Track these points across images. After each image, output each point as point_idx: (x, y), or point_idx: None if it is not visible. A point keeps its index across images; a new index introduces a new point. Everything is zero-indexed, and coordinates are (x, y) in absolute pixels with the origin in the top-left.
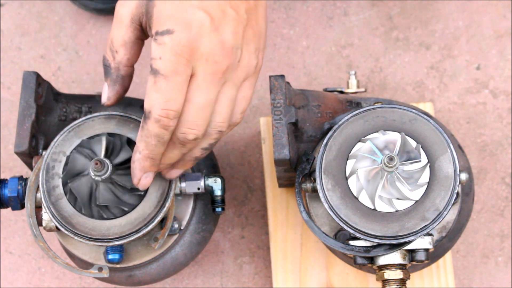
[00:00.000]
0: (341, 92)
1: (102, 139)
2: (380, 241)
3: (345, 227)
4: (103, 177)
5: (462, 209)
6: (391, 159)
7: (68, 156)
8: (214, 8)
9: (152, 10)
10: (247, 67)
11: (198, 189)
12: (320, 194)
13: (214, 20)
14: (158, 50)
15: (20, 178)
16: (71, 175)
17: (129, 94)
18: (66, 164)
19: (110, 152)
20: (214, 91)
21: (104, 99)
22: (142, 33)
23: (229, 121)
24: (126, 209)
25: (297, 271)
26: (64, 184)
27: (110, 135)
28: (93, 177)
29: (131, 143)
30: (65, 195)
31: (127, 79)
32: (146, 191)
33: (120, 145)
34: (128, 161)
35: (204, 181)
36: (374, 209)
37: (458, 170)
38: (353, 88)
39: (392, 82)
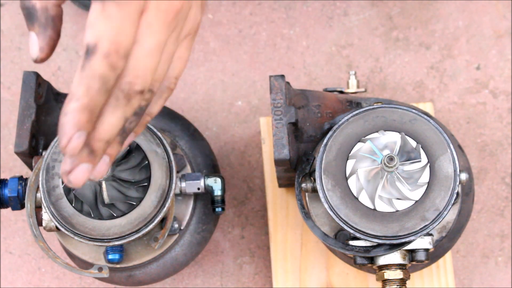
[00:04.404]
0: (341, 92)
1: None
2: (380, 241)
3: (345, 227)
4: (105, 176)
5: (462, 209)
6: (391, 159)
7: None
8: None
9: None
10: (192, 21)
11: (198, 189)
12: (320, 194)
13: None
14: None
15: (20, 178)
16: None
17: None
18: None
19: None
20: (165, 35)
21: (36, 52)
22: None
23: (161, 81)
24: (133, 203)
25: (297, 271)
26: (67, 193)
27: None
28: None
29: None
30: (71, 203)
31: (58, 20)
32: (147, 186)
33: None
34: (125, 155)
35: (204, 181)
36: (374, 209)
37: (458, 170)
38: (353, 88)
39: (392, 82)
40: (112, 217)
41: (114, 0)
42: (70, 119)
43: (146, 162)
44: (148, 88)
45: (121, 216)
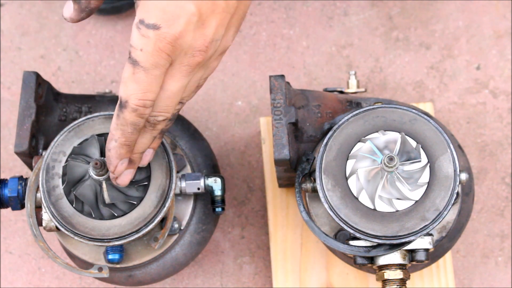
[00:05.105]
0: (341, 92)
1: (94, 141)
2: (380, 241)
3: (345, 227)
4: (105, 176)
5: (462, 209)
6: (391, 159)
7: (64, 166)
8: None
9: None
10: (221, 51)
11: (198, 189)
12: (320, 194)
13: (202, 15)
14: (141, 41)
15: (20, 178)
16: (72, 183)
17: None
18: (64, 175)
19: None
20: (187, 79)
21: (67, 17)
22: None
23: (190, 96)
24: (134, 202)
25: (297, 271)
26: (68, 194)
27: (98, 136)
28: (95, 178)
29: None
30: (72, 204)
31: (94, 10)
32: (147, 186)
33: None
34: None
35: (204, 181)
36: (374, 209)
37: (458, 170)
38: (353, 88)
39: (392, 82)
40: (113, 217)
41: (142, 67)
42: (113, 154)
43: None
44: (181, 102)
45: (122, 216)
